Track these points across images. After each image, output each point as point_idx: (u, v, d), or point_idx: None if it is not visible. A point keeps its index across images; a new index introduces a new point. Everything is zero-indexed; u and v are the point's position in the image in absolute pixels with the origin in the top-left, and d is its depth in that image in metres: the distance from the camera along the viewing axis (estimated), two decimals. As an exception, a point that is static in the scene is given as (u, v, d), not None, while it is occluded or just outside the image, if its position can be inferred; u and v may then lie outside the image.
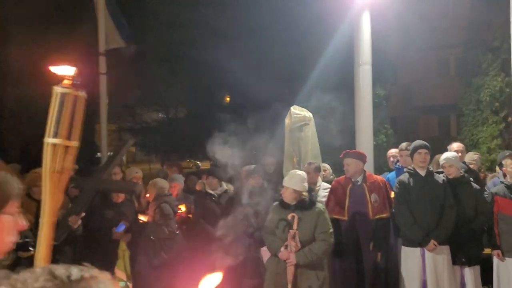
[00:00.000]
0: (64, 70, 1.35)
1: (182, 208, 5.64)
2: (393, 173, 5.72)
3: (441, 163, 4.84)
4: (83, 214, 4.46)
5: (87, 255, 4.59)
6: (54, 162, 1.34)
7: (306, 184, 4.20)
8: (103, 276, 0.85)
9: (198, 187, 6.17)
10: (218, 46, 13.39)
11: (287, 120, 5.76)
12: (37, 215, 4.26)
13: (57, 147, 1.34)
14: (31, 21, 11.49)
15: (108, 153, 10.11)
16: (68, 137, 1.35)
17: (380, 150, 10.00)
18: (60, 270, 0.83)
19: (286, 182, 4.20)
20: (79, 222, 4.40)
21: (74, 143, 1.35)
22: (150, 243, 5.00)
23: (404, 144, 5.63)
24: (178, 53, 14.60)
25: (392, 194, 5.01)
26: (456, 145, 5.65)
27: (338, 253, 4.83)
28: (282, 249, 4.07)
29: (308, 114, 5.76)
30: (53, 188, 1.35)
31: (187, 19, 14.84)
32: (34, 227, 4.26)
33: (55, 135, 1.35)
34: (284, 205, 4.18)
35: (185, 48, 13.96)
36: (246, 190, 5.08)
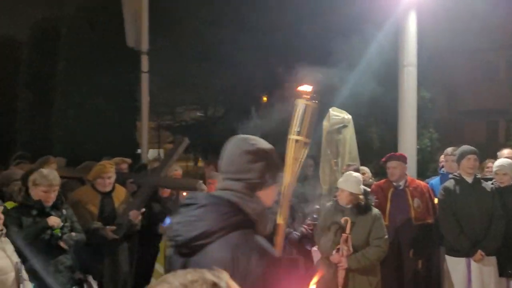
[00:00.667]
0: (305, 88, 1.90)
1: None
2: (437, 179, 5.50)
3: (494, 170, 4.61)
4: (143, 209, 4.56)
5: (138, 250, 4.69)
6: (296, 153, 1.77)
7: (362, 187, 4.10)
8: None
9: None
10: (258, 46, 13.40)
11: (325, 122, 5.64)
12: (101, 207, 4.37)
13: (298, 142, 1.79)
14: (74, 25, 11.92)
15: (149, 150, 10.28)
16: (306, 136, 1.80)
17: (424, 155, 9.66)
18: (211, 276, 0.85)
19: (341, 184, 4.10)
20: (140, 217, 4.49)
21: (309, 140, 1.80)
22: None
23: (450, 149, 5.40)
24: (218, 52, 14.73)
25: (436, 201, 4.81)
26: (507, 151, 5.39)
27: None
28: (334, 252, 4.00)
29: (347, 116, 5.63)
30: (293, 174, 1.75)
31: (228, 18, 14.94)
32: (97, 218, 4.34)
33: (298, 133, 1.79)
34: (338, 208, 4.09)
35: (225, 47, 14.07)
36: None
